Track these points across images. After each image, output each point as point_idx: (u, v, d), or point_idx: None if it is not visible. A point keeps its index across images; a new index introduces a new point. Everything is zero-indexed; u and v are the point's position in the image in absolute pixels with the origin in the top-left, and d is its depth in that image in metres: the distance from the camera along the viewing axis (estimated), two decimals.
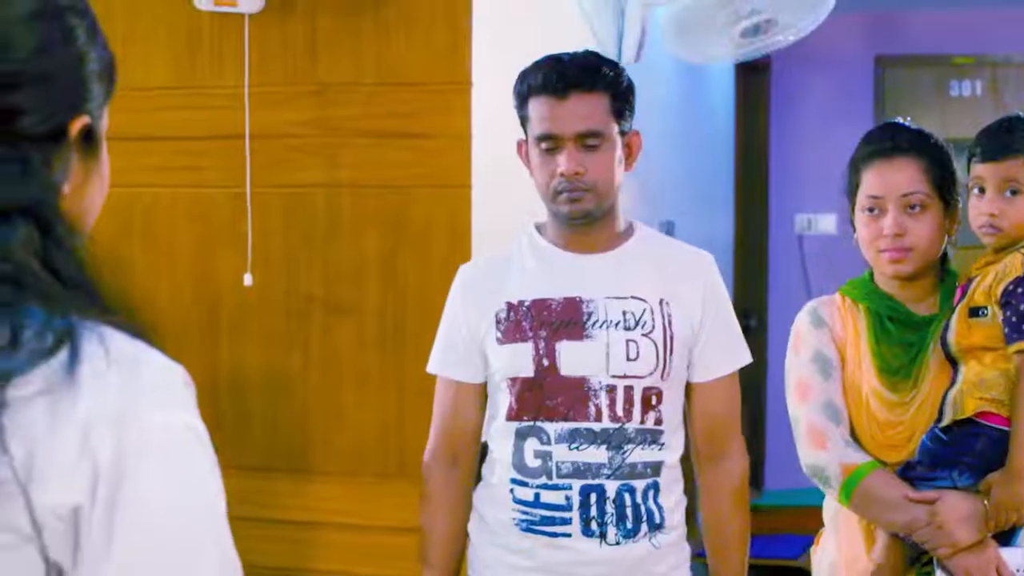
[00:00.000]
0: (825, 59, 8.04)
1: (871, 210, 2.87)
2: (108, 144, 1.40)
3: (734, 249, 7.74)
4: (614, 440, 2.82)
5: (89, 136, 1.33)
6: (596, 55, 2.93)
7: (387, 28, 3.80)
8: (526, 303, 2.88)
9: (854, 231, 2.95)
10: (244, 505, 3.22)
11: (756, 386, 7.21)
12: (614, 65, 2.91)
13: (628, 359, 2.83)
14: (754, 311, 7.84)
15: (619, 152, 2.87)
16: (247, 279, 3.85)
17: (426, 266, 3.77)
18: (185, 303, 3.96)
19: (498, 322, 2.89)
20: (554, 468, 2.83)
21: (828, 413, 2.87)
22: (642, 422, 2.84)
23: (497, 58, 3.83)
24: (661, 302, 2.88)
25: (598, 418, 2.82)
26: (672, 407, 2.89)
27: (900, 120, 3.01)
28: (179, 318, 3.91)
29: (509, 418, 2.88)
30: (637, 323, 2.85)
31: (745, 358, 3.00)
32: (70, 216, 1.28)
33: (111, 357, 1.20)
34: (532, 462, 2.86)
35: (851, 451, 2.83)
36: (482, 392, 2.98)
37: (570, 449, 2.82)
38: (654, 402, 2.85)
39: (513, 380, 2.87)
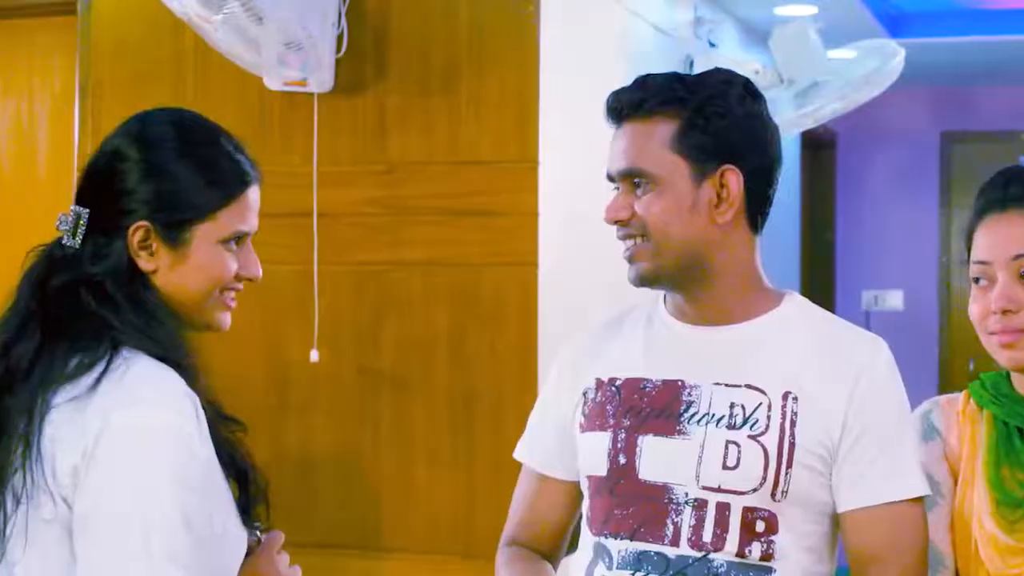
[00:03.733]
0: (891, 135, 8.03)
1: (978, 280, 2.15)
2: None
3: None
4: (691, 574, 2.08)
5: (171, 235, 1.91)
6: (710, 74, 2.22)
7: (455, 107, 3.83)
8: (617, 382, 2.21)
9: None
10: None
11: None
12: (704, 83, 2.18)
13: (725, 467, 2.09)
14: None
15: (687, 196, 2.13)
16: (313, 355, 3.86)
17: (495, 343, 3.78)
18: (253, 378, 3.98)
19: (584, 403, 2.24)
20: None
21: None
22: (740, 554, 2.07)
23: (564, 137, 3.86)
24: (786, 396, 2.11)
25: (674, 541, 2.09)
26: (795, 539, 2.11)
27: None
28: (247, 393, 3.92)
29: (588, 528, 2.21)
30: (745, 421, 2.10)
31: (915, 487, 2.12)
32: (163, 288, 1.93)
33: (126, 375, 1.83)
34: None
35: None
36: (578, 492, 2.29)
37: None
38: (760, 529, 2.09)
39: (589, 479, 2.21)
